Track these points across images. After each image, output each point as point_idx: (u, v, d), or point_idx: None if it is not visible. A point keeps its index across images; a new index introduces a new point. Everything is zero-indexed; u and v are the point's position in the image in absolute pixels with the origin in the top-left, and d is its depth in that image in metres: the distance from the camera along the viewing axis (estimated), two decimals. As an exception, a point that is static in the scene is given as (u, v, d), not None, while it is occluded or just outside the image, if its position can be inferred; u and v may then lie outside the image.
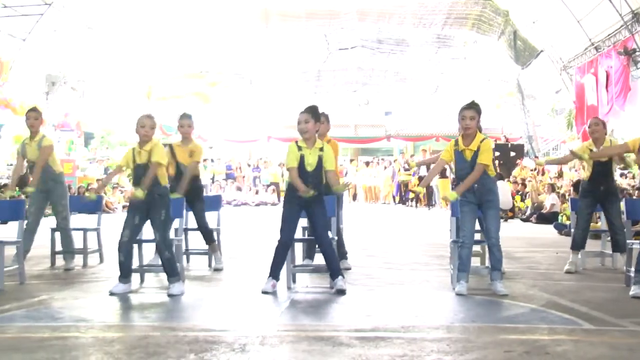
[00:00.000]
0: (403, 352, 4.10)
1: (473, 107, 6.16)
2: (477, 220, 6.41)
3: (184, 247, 7.60)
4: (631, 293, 5.93)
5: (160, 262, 6.79)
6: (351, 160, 29.27)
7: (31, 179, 7.73)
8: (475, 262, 7.16)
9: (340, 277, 6.18)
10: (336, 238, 6.78)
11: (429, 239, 11.36)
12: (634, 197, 12.65)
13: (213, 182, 25.25)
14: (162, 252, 6.21)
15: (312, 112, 6.22)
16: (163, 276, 6.50)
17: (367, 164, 27.11)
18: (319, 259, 6.94)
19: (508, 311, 5.46)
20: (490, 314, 5.42)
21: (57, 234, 8.00)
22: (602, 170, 7.40)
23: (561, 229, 12.49)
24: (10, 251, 6.91)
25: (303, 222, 6.92)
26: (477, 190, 6.14)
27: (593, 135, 7.55)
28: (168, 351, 4.13)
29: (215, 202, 8.48)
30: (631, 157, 7.22)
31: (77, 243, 8.11)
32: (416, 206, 21.52)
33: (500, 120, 28.72)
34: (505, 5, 22.48)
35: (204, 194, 8.01)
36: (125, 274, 6.18)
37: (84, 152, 24.94)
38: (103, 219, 8.72)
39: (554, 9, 19.63)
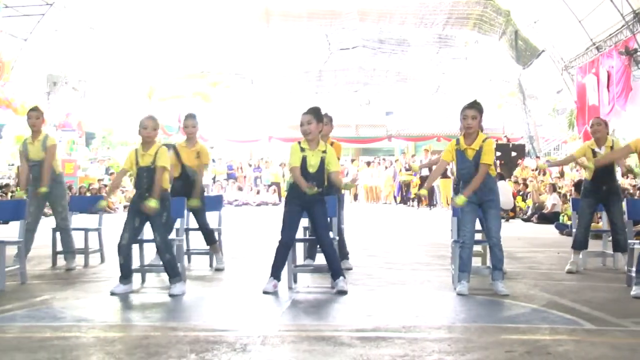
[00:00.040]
0: (404, 352, 4.10)
1: (475, 106, 6.17)
2: (478, 220, 6.41)
3: (185, 247, 7.60)
4: (632, 293, 5.93)
5: (160, 262, 6.81)
6: (352, 161, 29.27)
7: (32, 178, 7.72)
8: (476, 262, 7.16)
9: (341, 278, 6.17)
10: (337, 238, 6.78)
11: (430, 239, 11.35)
12: (636, 197, 12.65)
13: (214, 182, 25.26)
14: (163, 254, 6.22)
15: (315, 114, 6.21)
16: (164, 276, 6.50)
17: (368, 164, 27.10)
18: (320, 259, 6.95)
19: (509, 311, 5.46)
20: (492, 314, 5.42)
21: (58, 234, 8.01)
22: (604, 169, 7.38)
23: (562, 229, 12.48)
24: (11, 251, 6.91)
25: (304, 222, 6.92)
26: (478, 190, 6.14)
27: (595, 135, 7.55)
28: (169, 351, 4.14)
29: (217, 202, 8.47)
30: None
31: (79, 243, 8.11)
32: (418, 206, 21.50)
33: (502, 120, 28.74)
34: (507, 5, 22.48)
35: (205, 194, 8.00)
36: (125, 275, 6.18)
37: (85, 152, 24.97)
38: (104, 219, 8.72)
39: (555, 8, 19.62)
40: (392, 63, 28.56)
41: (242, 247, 10.07)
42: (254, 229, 13.78)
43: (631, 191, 14.10)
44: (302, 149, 6.22)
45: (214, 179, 25.51)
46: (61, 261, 7.90)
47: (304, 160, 6.19)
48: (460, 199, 6.07)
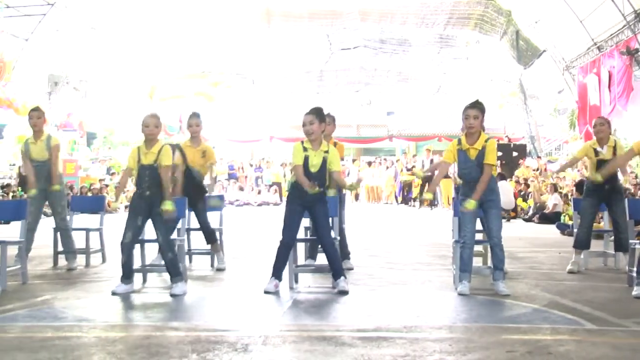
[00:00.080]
0: (405, 352, 4.10)
1: (477, 106, 6.17)
2: (479, 220, 6.41)
3: (186, 247, 7.60)
4: (634, 293, 5.93)
5: (162, 262, 6.82)
6: (353, 161, 29.26)
7: (33, 179, 7.73)
8: (477, 262, 7.16)
9: (342, 278, 6.18)
10: (338, 238, 6.78)
11: (432, 239, 11.35)
12: (637, 197, 12.64)
13: (215, 182, 25.26)
14: (165, 253, 6.22)
15: (317, 114, 6.21)
16: (166, 276, 6.51)
17: (370, 164, 27.07)
18: (321, 259, 6.96)
19: (510, 311, 5.46)
20: (493, 314, 5.42)
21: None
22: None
23: (564, 229, 12.47)
24: (11, 251, 6.91)
25: (305, 222, 6.92)
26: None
27: (598, 135, 7.52)
28: (170, 351, 4.14)
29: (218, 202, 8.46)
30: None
31: (80, 243, 8.12)
32: (420, 206, 21.47)
33: (503, 120, 28.71)
34: (508, 5, 22.47)
35: (207, 194, 8.01)
36: (127, 274, 6.19)
37: (86, 152, 24.99)
38: (105, 219, 8.72)
39: (556, 8, 19.61)
40: (393, 63, 28.55)
41: (243, 247, 10.07)
42: (255, 229, 13.78)
43: (632, 191, 14.08)
44: (305, 149, 6.22)
45: (215, 178, 25.50)
46: (62, 261, 7.90)
47: (306, 159, 6.19)
48: (471, 204, 6.05)
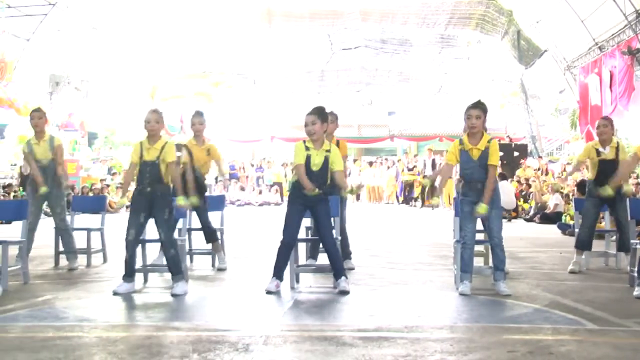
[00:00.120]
0: (406, 352, 4.10)
1: (479, 106, 6.17)
2: (479, 220, 6.40)
3: (187, 247, 7.60)
4: (635, 293, 5.93)
5: (163, 262, 6.82)
6: (354, 161, 29.26)
7: (41, 178, 7.75)
8: (478, 262, 7.16)
9: (343, 278, 6.18)
10: (340, 238, 6.78)
11: (433, 239, 11.35)
12: (638, 196, 12.62)
13: (217, 182, 25.26)
14: (167, 250, 6.23)
15: (319, 114, 6.21)
16: (167, 276, 6.51)
17: (371, 164, 27.07)
18: (323, 258, 6.96)
19: (511, 311, 5.45)
20: (494, 314, 5.42)
21: (60, 234, 8.02)
22: (607, 169, 7.36)
23: (565, 229, 12.47)
24: (12, 251, 6.92)
25: (306, 222, 6.92)
26: (480, 190, 6.14)
27: (601, 137, 7.47)
28: (171, 351, 4.14)
29: (219, 202, 8.48)
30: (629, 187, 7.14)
31: (81, 243, 8.12)
32: (422, 206, 21.45)
33: (504, 120, 28.73)
34: (509, 5, 22.47)
35: (207, 194, 8.02)
36: (129, 272, 6.19)
37: (87, 152, 24.99)
38: (107, 218, 8.72)
39: (557, 8, 19.60)
40: (394, 63, 28.56)
41: (245, 247, 10.07)
42: (256, 229, 13.78)
43: (634, 190, 14.06)
44: (307, 148, 6.22)
45: (216, 178, 25.52)
46: (64, 261, 7.90)
47: (307, 158, 6.19)
48: (483, 208, 6.04)
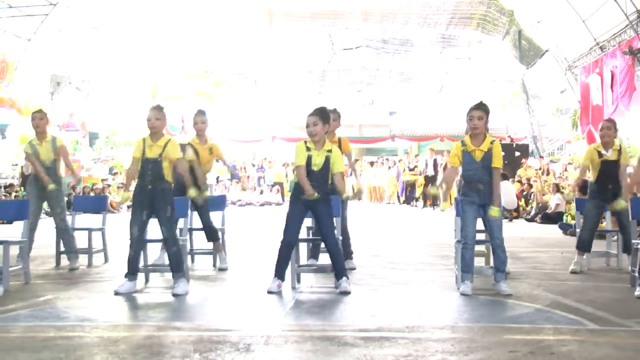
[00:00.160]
0: (407, 352, 4.10)
1: (481, 107, 6.17)
2: (480, 221, 6.40)
3: (188, 247, 7.61)
4: (636, 293, 5.92)
5: (164, 262, 6.83)
6: (356, 161, 29.23)
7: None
8: (479, 262, 7.16)
9: (344, 278, 6.17)
10: (341, 237, 6.78)
11: (434, 239, 11.35)
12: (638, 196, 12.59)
13: (218, 182, 25.28)
14: (170, 247, 6.24)
15: (321, 115, 6.21)
16: (168, 276, 6.51)
17: (372, 164, 27.07)
18: (324, 258, 6.96)
19: (513, 311, 5.45)
20: (495, 314, 5.42)
21: (61, 234, 8.03)
22: (609, 169, 7.35)
23: (566, 229, 12.46)
24: (13, 251, 6.92)
25: (308, 222, 6.92)
26: (481, 191, 6.14)
27: (603, 139, 7.43)
28: (172, 351, 4.14)
29: (220, 202, 8.48)
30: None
31: (82, 243, 8.13)
32: (424, 206, 21.41)
33: (505, 120, 28.72)
34: (510, 5, 22.46)
35: (209, 193, 8.03)
36: (132, 270, 6.19)
37: (88, 152, 24.98)
38: (108, 218, 8.72)
39: (559, 8, 19.59)
40: (395, 63, 28.56)
41: (246, 247, 10.07)
42: (258, 229, 13.79)
43: (635, 190, 14.04)
44: (308, 148, 6.22)
45: (217, 178, 25.54)
46: (65, 261, 7.91)
47: (308, 159, 6.19)
48: (495, 211, 6.07)
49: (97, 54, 22.69)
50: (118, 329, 4.79)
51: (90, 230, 8.28)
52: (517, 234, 11.88)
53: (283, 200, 23.92)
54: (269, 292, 6.06)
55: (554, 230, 13.12)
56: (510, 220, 15.46)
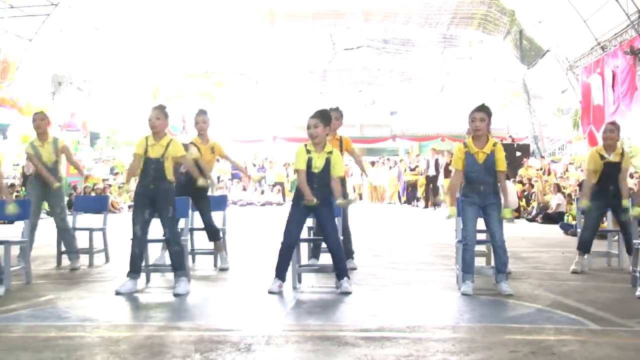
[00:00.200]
0: (409, 352, 4.10)
1: (483, 109, 6.18)
2: (481, 221, 6.39)
3: (189, 247, 7.61)
4: (637, 293, 5.92)
5: (165, 262, 6.83)
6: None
7: (35, 179, 7.82)
8: (480, 262, 7.16)
9: (345, 279, 6.18)
10: (342, 237, 6.77)
11: (435, 239, 11.34)
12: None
13: (219, 182, 25.29)
14: (172, 246, 6.25)
15: (322, 117, 6.22)
16: (169, 276, 6.52)
17: (373, 164, 27.04)
18: (325, 258, 6.96)
19: (514, 311, 5.45)
20: (496, 314, 5.42)
21: (62, 234, 8.04)
22: (612, 170, 7.34)
23: (567, 229, 12.45)
24: (14, 251, 6.93)
25: (308, 221, 6.92)
26: (482, 192, 6.14)
27: (606, 142, 7.41)
28: (173, 351, 4.14)
29: (221, 202, 8.48)
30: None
31: (83, 243, 8.13)
32: (426, 206, 21.38)
33: (506, 120, 28.70)
34: (511, 4, 22.44)
35: (210, 193, 8.03)
36: (135, 268, 6.20)
37: (89, 152, 24.98)
38: (109, 218, 8.73)
39: (560, 8, 19.57)
40: (396, 63, 28.55)
41: (247, 247, 10.08)
42: (258, 229, 13.79)
43: (636, 190, 14.04)
44: (308, 151, 6.22)
45: (218, 178, 25.56)
46: (66, 261, 7.92)
47: (309, 161, 6.20)
48: (508, 212, 6.15)
49: (98, 54, 22.69)
50: (119, 329, 4.79)
51: (91, 230, 8.28)
52: (518, 234, 11.86)
53: (284, 200, 23.92)
54: (270, 293, 6.07)
55: (555, 230, 13.11)
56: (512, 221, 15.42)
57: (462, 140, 6.70)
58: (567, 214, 14.38)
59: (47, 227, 8.25)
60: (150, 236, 6.63)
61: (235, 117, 31.51)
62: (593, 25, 19.24)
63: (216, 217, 7.83)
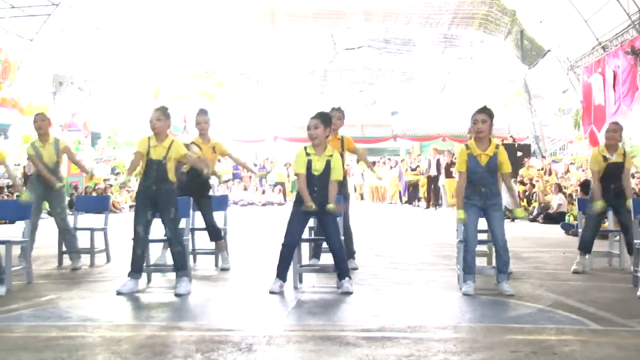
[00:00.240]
0: (410, 352, 4.10)
1: (485, 111, 6.19)
2: (481, 221, 6.39)
3: (190, 247, 7.61)
4: (639, 293, 5.92)
5: (166, 262, 6.84)
6: (358, 161, 29.23)
7: (35, 179, 7.85)
8: (481, 262, 7.16)
9: (346, 279, 6.18)
10: (343, 237, 6.77)
11: (436, 239, 11.34)
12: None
13: (219, 182, 25.28)
14: (174, 246, 6.25)
15: (322, 118, 6.22)
16: (170, 276, 6.52)
17: (374, 163, 26.95)
18: (326, 258, 6.96)
19: (515, 311, 5.45)
20: (497, 314, 5.42)
21: (64, 234, 8.04)
22: (614, 170, 7.33)
23: (568, 229, 12.45)
24: (15, 251, 6.93)
25: (309, 221, 6.92)
26: (484, 193, 6.14)
27: (609, 142, 7.41)
28: (174, 350, 4.15)
29: (222, 202, 8.48)
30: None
31: (84, 243, 8.13)
32: (427, 206, 21.35)
33: (507, 120, 28.69)
34: (512, 4, 22.44)
35: (211, 193, 8.04)
36: (137, 268, 6.20)
37: (91, 152, 24.99)
38: (110, 218, 8.73)
39: (561, 8, 19.58)
40: (397, 63, 28.54)
41: (248, 247, 10.08)
42: (260, 229, 13.79)
43: (637, 190, 14.04)
44: (308, 154, 6.22)
45: (219, 178, 25.54)
46: (67, 261, 7.92)
47: (309, 163, 6.19)
48: (520, 212, 6.36)
49: (99, 54, 22.70)
50: (120, 329, 4.79)
51: (92, 230, 8.28)
52: (519, 234, 11.86)
53: (285, 200, 23.92)
54: (271, 293, 6.07)
55: (556, 230, 13.10)
56: (513, 220, 15.43)
57: (465, 142, 6.70)
58: (568, 214, 14.37)
59: (48, 227, 8.25)
60: (151, 236, 6.65)
61: (236, 117, 31.51)
62: (594, 25, 19.24)
63: (217, 217, 7.84)
